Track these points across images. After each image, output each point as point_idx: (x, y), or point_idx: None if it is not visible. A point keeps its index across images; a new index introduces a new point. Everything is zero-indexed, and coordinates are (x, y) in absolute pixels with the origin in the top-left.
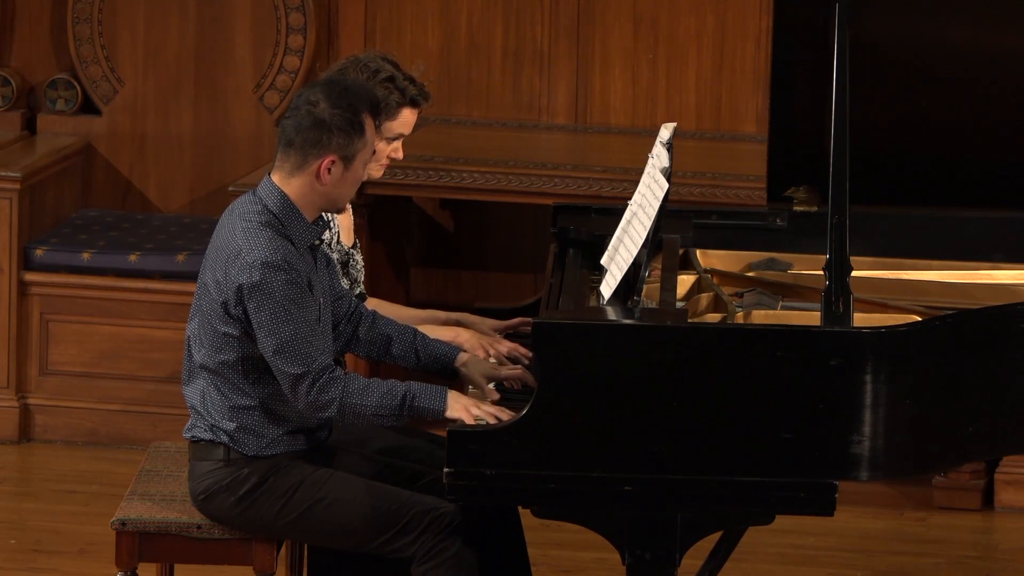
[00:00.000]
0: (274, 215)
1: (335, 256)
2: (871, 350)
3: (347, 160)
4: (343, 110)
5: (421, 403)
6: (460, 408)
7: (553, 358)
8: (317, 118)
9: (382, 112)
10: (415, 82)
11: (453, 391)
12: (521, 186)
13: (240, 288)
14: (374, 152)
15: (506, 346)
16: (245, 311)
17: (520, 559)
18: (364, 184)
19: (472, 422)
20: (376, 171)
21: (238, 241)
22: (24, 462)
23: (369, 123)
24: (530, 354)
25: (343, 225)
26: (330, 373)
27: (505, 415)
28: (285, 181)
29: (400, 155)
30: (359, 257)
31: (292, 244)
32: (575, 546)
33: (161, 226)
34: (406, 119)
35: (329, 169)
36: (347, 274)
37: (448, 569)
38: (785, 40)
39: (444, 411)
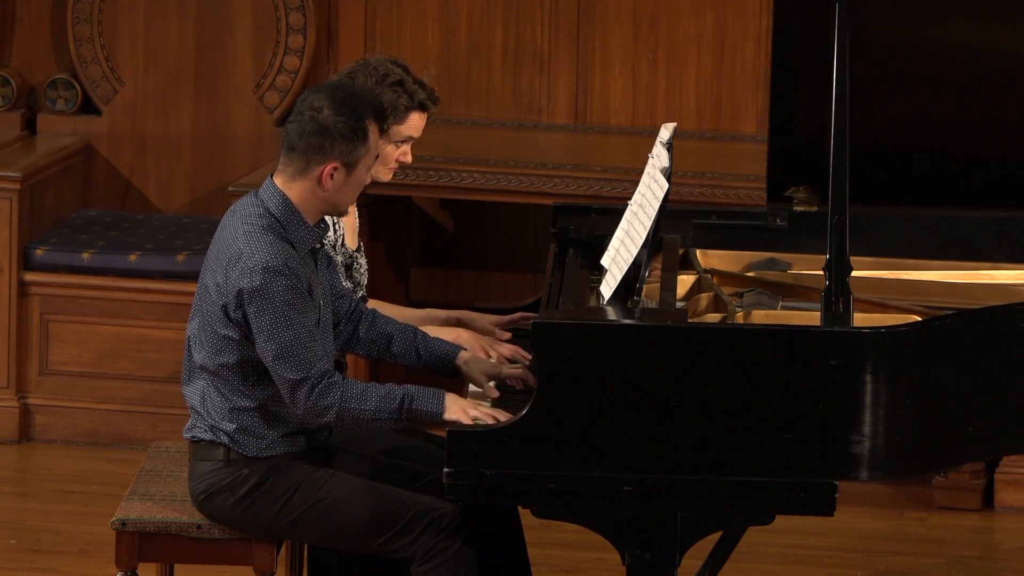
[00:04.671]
0: (275, 218)
1: (339, 259)
2: (871, 350)
3: (350, 167)
4: (347, 117)
5: (419, 406)
6: (458, 410)
7: (553, 358)
8: (320, 124)
9: (389, 116)
10: (424, 86)
11: (451, 394)
12: (521, 186)
13: (240, 292)
14: (377, 156)
15: (507, 348)
16: (245, 315)
17: (520, 559)
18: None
19: (470, 424)
20: (385, 175)
21: (239, 244)
22: (24, 462)
23: (373, 130)
24: (530, 356)
25: (348, 227)
26: (328, 378)
27: (503, 416)
28: (287, 185)
29: (409, 159)
30: (363, 260)
31: (293, 247)
32: (575, 546)
33: (161, 226)
34: (414, 123)
35: (331, 175)
36: (350, 277)
37: (448, 569)
38: (785, 40)
39: (442, 414)
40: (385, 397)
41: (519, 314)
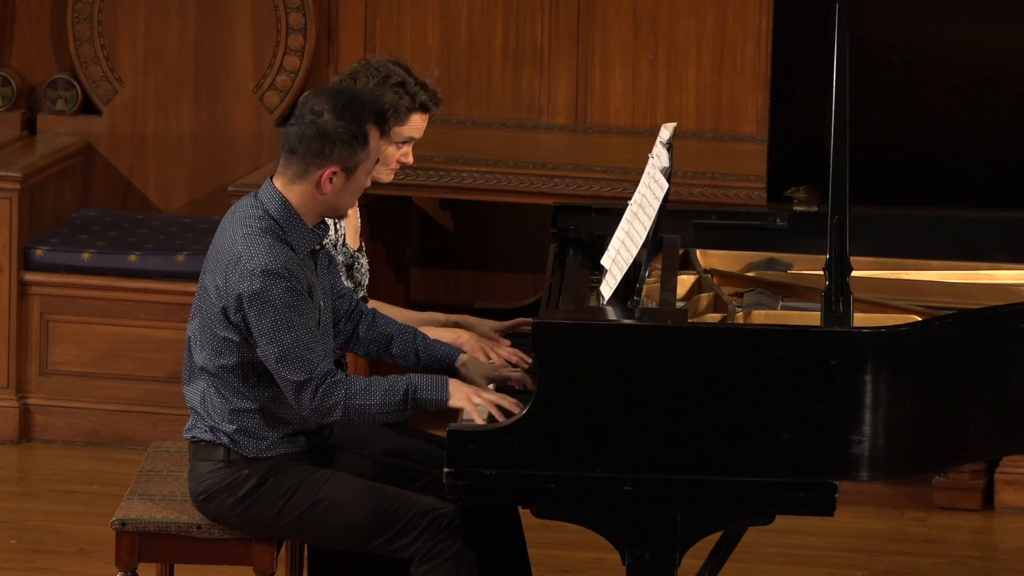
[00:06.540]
0: (275, 220)
1: (340, 259)
2: (871, 350)
3: (349, 171)
4: (347, 122)
5: (423, 395)
6: (462, 396)
7: (553, 358)
8: (321, 129)
9: (390, 118)
10: (426, 87)
11: (454, 380)
12: (521, 186)
13: (240, 296)
14: (378, 160)
15: (507, 351)
16: (245, 318)
17: (520, 559)
18: None
19: (474, 410)
20: (386, 176)
21: (238, 247)
22: (24, 462)
23: (373, 134)
24: (529, 360)
25: (350, 227)
26: (332, 378)
27: (507, 402)
28: (287, 187)
29: (410, 159)
30: (364, 260)
31: (292, 250)
32: (575, 546)
33: (161, 226)
34: (416, 124)
35: (331, 179)
36: (351, 277)
37: (448, 569)
38: (785, 40)
39: (447, 400)
40: (389, 390)
41: (518, 319)
